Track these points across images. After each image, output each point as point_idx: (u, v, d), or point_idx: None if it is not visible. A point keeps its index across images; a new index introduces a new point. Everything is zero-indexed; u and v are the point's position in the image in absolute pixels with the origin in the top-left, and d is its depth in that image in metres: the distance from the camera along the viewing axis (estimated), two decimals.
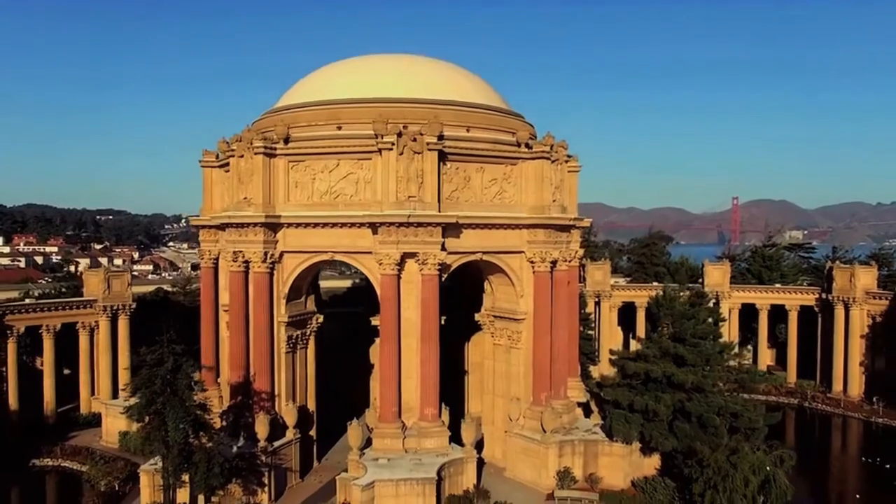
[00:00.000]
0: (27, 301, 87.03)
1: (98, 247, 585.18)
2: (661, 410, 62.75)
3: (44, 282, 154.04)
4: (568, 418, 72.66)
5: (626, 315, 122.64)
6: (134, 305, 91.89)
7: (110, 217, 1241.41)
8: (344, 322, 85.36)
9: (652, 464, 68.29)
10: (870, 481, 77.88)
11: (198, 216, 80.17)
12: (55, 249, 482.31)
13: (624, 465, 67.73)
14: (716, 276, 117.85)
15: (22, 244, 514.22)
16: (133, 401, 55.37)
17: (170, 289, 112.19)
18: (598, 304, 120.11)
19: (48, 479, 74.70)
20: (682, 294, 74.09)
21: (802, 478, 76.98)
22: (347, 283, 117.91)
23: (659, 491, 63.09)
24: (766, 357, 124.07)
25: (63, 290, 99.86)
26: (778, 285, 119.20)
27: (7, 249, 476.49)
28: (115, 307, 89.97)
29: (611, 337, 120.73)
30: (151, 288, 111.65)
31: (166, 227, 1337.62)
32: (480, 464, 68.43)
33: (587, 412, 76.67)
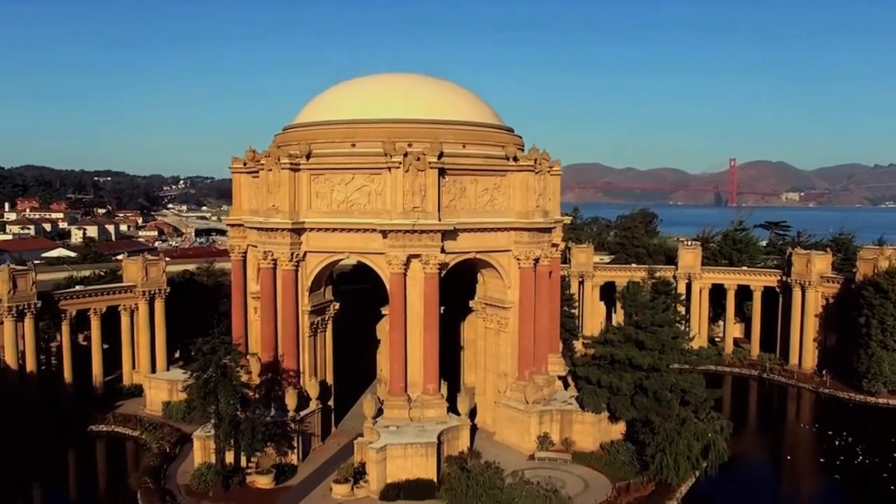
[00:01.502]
0: (77, 288, 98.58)
1: (101, 211, 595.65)
2: (624, 387, 75.43)
3: (69, 266, 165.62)
4: (548, 391, 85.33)
5: (609, 291, 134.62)
6: (168, 290, 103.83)
7: (108, 178, 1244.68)
8: (352, 298, 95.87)
9: (618, 430, 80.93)
10: (803, 445, 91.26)
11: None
12: (60, 215, 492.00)
13: (594, 431, 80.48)
14: (688, 259, 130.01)
15: (28, 210, 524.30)
16: (179, 374, 67.56)
17: (194, 270, 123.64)
18: (581, 283, 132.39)
19: (106, 443, 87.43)
20: (646, 284, 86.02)
21: (746, 441, 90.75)
22: (353, 262, 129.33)
23: (621, 453, 76.03)
24: (736, 331, 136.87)
25: (102, 274, 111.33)
26: (745, 267, 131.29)
27: (14, 216, 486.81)
28: (152, 291, 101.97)
29: (593, 313, 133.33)
30: (179, 268, 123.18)
31: (165, 188, 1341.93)
32: (473, 429, 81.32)
33: (567, 384, 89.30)
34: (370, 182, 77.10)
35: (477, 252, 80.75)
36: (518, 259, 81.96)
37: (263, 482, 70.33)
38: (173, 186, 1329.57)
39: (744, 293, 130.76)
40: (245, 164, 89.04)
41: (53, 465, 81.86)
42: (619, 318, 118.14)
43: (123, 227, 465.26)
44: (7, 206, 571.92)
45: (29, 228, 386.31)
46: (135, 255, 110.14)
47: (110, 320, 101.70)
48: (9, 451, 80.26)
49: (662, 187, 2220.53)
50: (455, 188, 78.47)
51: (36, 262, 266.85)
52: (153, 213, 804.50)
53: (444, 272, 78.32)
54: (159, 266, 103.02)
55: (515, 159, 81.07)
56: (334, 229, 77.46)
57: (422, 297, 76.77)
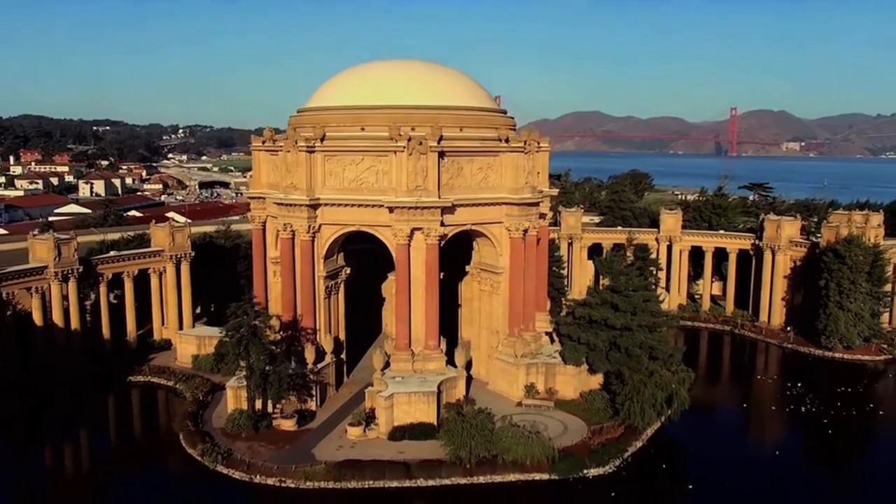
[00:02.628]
0: (112, 253, 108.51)
1: (104, 164, 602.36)
2: (600, 344, 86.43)
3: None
4: (535, 346, 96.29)
5: (597, 252, 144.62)
6: (193, 254, 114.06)
7: (108, 128, 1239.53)
8: (359, 258, 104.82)
9: (596, 381, 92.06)
10: (760, 394, 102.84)
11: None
12: (66, 168, 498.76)
13: (574, 381, 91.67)
14: (669, 223, 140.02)
15: (33, 164, 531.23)
16: (206, 330, 78.29)
17: (213, 233, 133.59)
18: (570, 244, 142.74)
19: (145, 392, 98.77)
20: (629, 247, 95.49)
21: (710, 391, 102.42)
22: None
23: (597, 401, 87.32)
24: (715, 289, 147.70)
25: (130, 238, 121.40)
26: (722, 231, 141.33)
27: (20, 169, 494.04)
28: (178, 255, 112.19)
29: (581, 272, 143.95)
30: (200, 230, 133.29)
31: (164, 137, 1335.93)
32: (469, 380, 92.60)
33: (553, 339, 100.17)
34: (378, 163, 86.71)
35: (472, 224, 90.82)
36: (509, 230, 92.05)
37: (288, 425, 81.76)
38: (172, 136, 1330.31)
39: (721, 255, 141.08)
40: (264, 143, 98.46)
41: (101, 412, 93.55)
42: (605, 278, 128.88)
43: (128, 181, 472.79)
44: (12, 159, 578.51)
45: (37, 183, 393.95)
46: (144, 211, 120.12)
47: (140, 281, 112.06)
48: (60, 399, 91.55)
49: (662, 136, 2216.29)
50: (453, 168, 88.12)
51: (51, 218, 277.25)
52: (154, 163, 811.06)
53: (443, 242, 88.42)
54: (184, 232, 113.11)
55: (507, 141, 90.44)
56: (346, 204, 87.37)
57: (424, 265, 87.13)
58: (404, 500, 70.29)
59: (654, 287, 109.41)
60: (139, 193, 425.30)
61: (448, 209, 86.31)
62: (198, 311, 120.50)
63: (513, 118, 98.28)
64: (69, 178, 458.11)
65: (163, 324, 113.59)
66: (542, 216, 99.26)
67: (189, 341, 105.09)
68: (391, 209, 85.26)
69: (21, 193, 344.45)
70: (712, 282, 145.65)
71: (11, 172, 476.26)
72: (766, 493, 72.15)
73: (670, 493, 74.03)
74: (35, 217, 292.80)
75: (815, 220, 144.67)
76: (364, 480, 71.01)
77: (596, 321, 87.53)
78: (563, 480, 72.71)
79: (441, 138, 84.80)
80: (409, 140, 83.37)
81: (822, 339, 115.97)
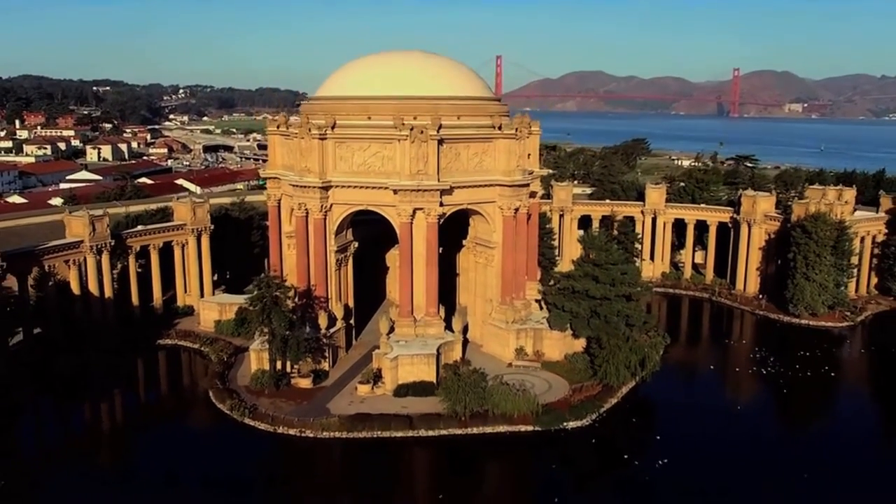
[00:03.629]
0: (139, 228, 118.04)
1: (107, 126, 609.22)
2: (581, 312, 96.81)
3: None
4: (525, 312, 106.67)
5: (587, 223, 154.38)
6: (213, 227, 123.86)
7: (108, 88, 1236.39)
8: (365, 230, 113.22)
9: (579, 344, 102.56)
10: (728, 357, 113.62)
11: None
12: (72, 133, 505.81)
13: (560, 345, 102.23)
14: (654, 197, 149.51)
15: (39, 128, 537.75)
16: (226, 297, 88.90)
17: (229, 206, 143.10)
18: (561, 216, 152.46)
19: (174, 354, 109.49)
20: (615, 215, 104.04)
21: (683, 353, 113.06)
22: None
23: (579, 362, 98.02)
24: (698, 258, 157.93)
25: (153, 212, 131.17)
26: (703, 205, 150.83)
27: (26, 133, 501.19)
28: (199, 229, 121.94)
29: (572, 243, 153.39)
30: (216, 201, 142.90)
31: (165, 98, 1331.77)
32: (465, 343, 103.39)
33: (542, 306, 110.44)
34: (383, 149, 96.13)
35: (468, 204, 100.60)
36: (501, 208, 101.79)
37: (304, 383, 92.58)
38: (173, 96, 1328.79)
39: (704, 226, 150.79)
40: (278, 127, 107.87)
41: (137, 371, 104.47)
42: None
43: (134, 145, 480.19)
44: (17, 123, 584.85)
45: (45, 148, 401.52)
46: (154, 177, 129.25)
47: (163, 252, 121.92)
48: (98, 360, 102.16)
49: (664, 97, 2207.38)
50: (451, 153, 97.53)
51: (62, 185, 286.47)
52: (157, 125, 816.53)
53: (442, 220, 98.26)
54: (204, 207, 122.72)
55: (500, 128, 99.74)
56: (355, 186, 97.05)
57: (424, 241, 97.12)
58: (407, 448, 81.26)
59: (635, 260, 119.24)
60: (145, 158, 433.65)
61: (446, 191, 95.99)
62: (215, 278, 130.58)
63: (506, 105, 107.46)
64: (75, 143, 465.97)
65: (185, 291, 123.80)
66: (533, 195, 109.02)
67: (211, 308, 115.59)
68: (395, 191, 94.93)
69: (32, 160, 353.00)
70: (695, 251, 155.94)
71: (18, 136, 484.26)
72: (724, 441, 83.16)
73: (639, 442, 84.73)
74: (47, 183, 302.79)
75: (793, 193, 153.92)
76: (373, 431, 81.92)
77: (578, 291, 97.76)
78: (546, 431, 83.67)
79: (440, 127, 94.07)
80: (412, 129, 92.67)
81: (790, 306, 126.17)
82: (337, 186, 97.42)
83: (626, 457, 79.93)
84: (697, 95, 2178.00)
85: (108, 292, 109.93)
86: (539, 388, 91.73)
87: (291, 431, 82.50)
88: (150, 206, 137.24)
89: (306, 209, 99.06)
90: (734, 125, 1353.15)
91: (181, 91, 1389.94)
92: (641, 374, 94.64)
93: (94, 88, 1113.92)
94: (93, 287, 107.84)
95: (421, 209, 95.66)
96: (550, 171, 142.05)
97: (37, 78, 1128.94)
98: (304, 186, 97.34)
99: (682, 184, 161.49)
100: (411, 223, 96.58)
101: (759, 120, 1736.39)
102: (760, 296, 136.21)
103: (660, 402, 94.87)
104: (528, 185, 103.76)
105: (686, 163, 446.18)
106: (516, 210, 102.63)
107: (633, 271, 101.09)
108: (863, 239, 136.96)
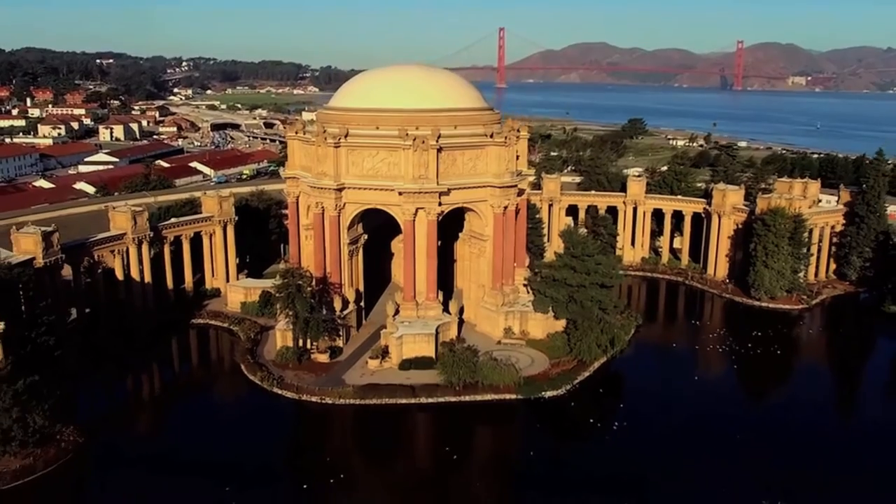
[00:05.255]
0: (172, 220, 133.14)
1: (115, 103, 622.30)
2: (560, 298, 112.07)
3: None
4: (513, 297, 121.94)
5: (574, 212, 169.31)
6: (237, 218, 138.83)
7: (111, 61, 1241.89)
8: (373, 218, 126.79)
9: (560, 324, 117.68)
10: (691, 336, 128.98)
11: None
12: (82, 112, 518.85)
13: (542, 325, 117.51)
14: (635, 188, 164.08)
15: (50, 106, 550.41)
16: (251, 282, 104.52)
17: (248, 196, 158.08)
18: (550, 206, 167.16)
19: (206, 332, 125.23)
20: (579, 228, 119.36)
21: (652, 332, 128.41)
22: None
23: (558, 341, 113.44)
24: (677, 243, 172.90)
25: (182, 202, 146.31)
26: (679, 196, 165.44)
27: (37, 112, 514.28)
28: (225, 220, 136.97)
29: (559, 230, 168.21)
30: (238, 191, 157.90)
31: (168, 71, 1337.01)
32: (461, 323, 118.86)
33: (529, 291, 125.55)
34: (390, 156, 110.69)
35: (464, 202, 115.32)
36: (493, 206, 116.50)
37: (322, 358, 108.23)
38: (177, 69, 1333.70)
39: (681, 215, 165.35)
40: (297, 133, 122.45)
41: (175, 347, 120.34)
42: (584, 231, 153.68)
43: (143, 123, 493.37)
44: (29, 101, 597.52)
45: (59, 128, 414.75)
46: (169, 160, 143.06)
47: (192, 240, 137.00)
48: (140, 338, 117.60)
49: (668, 69, 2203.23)
50: (448, 159, 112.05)
51: (81, 168, 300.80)
52: (162, 99, 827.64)
53: (441, 217, 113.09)
54: (229, 201, 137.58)
55: (492, 136, 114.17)
56: (365, 188, 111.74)
57: (425, 236, 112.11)
58: (410, 413, 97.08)
59: (611, 250, 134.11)
60: (155, 137, 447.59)
61: (444, 192, 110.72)
62: (237, 262, 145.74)
63: (498, 113, 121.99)
64: (87, 121, 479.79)
65: (212, 275, 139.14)
66: (521, 192, 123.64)
67: (237, 291, 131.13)
68: (400, 193, 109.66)
69: (50, 142, 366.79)
70: (674, 237, 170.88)
71: (31, 115, 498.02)
72: (677, 407, 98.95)
73: (604, 409, 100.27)
74: (66, 165, 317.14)
75: (762, 185, 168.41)
76: (381, 398, 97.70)
77: (558, 280, 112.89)
78: (526, 400, 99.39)
79: (439, 136, 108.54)
80: (415, 139, 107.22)
81: (752, 291, 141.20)
82: (349, 188, 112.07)
83: (591, 420, 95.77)
84: (701, 68, 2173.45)
85: (147, 277, 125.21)
86: (523, 363, 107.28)
87: (313, 399, 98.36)
88: (178, 197, 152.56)
89: (322, 207, 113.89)
90: (735, 99, 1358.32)
91: (184, 64, 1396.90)
92: (611, 352, 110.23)
93: (98, 61, 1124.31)
94: (134, 273, 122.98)
95: (422, 208, 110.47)
96: (542, 162, 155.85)
97: (40, 51, 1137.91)
98: (321, 188, 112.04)
99: (662, 177, 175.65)
100: (414, 220, 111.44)
101: (762, 93, 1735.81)
102: (728, 280, 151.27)
103: (626, 376, 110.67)
104: (516, 186, 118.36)
105: (681, 143, 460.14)
106: (505, 208, 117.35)
107: (607, 262, 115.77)
108: (822, 229, 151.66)
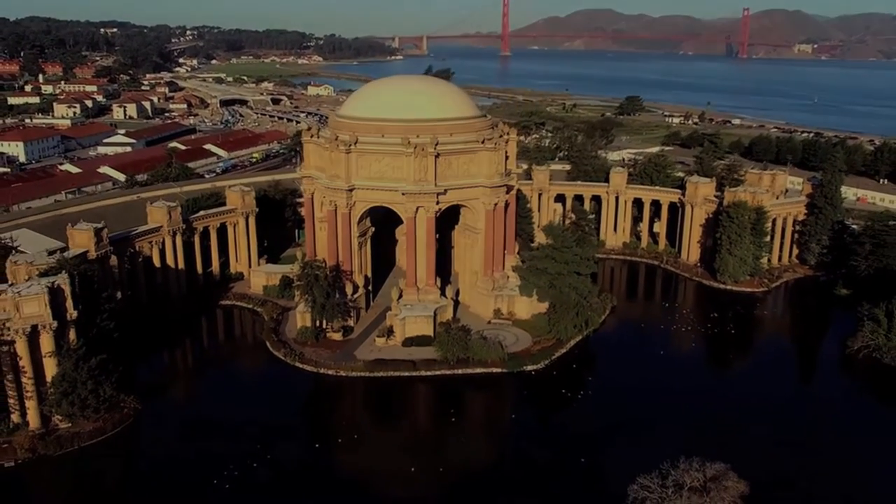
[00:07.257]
0: (201, 213, 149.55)
1: (125, 78, 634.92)
2: (542, 284, 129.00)
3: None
4: (503, 281, 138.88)
5: (562, 201, 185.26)
6: (258, 210, 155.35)
7: (115, 30, 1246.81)
8: (380, 208, 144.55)
9: (544, 307, 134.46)
10: (660, 316, 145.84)
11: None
12: (94, 88, 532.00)
13: (528, 307, 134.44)
14: (617, 180, 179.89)
15: (63, 83, 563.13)
16: (272, 267, 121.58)
17: (265, 188, 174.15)
18: (540, 196, 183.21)
19: (232, 312, 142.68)
20: (565, 222, 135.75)
21: (626, 312, 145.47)
22: None
23: (541, 321, 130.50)
24: (657, 227, 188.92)
25: (208, 194, 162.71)
26: (657, 187, 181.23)
27: (50, 89, 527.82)
28: (247, 212, 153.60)
29: (548, 218, 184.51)
30: (255, 180, 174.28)
31: (173, 40, 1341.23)
32: (456, 304, 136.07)
33: (518, 276, 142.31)
34: (394, 161, 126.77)
35: (459, 201, 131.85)
36: (484, 204, 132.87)
37: (336, 337, 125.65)
38: (181, 38, 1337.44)
39: (659, 204, 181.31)
40: (311, 137, 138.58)
41: (206, 326, 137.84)
42: (568, 222, 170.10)
43: (154, 99, 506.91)
44: (41, 77, 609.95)
45: (75, 107, 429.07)
46: (183, 141, 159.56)
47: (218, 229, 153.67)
48: (175, 318, 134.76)
49: (673, 37, 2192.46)
50: (445, 163, 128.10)
51: (100, 149, 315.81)
52: (168, 70, 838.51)
53: (438, 214, 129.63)
54: (251, 194, 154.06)
55: (484, 142, 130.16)
56: (372, 189, 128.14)
57: (425, 230, 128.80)
58: (412, 384, 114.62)
59: (592, 238, 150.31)
60: (167, 115, 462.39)
61: (441, 193, 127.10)
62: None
63: (490, 120, 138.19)
64: (99, 98, 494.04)
65: (236, 260, 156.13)
66: (509, 189, 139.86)
67: (260, 275, 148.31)
68: (403, 193, 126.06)
69: (68, 123, 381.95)
70: (654, 222, 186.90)
71: (45, 92, 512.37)
72: (640, 379, 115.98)
73: (576, 380, 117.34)
74: (86, 146, 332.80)
75: (735, 176, 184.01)
76: (387, 371, 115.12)
77: (540, 269, 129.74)
78: (511, 373, 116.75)
79: (437, 144, 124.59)
80: (416, 147, 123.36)
81: (718, 275, 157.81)
82: (359, 189, 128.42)
83: (563, 390, 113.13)
84: (706, 35, 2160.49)
85: (180, 264, 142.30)
86: (509, 341, 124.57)
87: (329, 372, 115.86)
88: (203, 187, 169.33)
89: (335, 205, 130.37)
90: (739, 69, 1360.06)
91: (189, 33, 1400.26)
92: (586, 331, 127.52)
93: (103, 31, 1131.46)
94: (169, 261, 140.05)
95: (422, 207, 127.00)
96: (533, 152, 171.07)
97: (44, 20, 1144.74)
98: (334, 189, 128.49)
99: (643, 168, 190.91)
100: (415, 217, 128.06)
101: (767, 62, 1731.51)
102: (699, 264, 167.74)
103: (598, 352, 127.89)
104: (505, 185, 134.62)
105: (676, 120, 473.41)
106: (496, 204, 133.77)
107: (584, 253, 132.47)
108: (785, 219, 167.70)
